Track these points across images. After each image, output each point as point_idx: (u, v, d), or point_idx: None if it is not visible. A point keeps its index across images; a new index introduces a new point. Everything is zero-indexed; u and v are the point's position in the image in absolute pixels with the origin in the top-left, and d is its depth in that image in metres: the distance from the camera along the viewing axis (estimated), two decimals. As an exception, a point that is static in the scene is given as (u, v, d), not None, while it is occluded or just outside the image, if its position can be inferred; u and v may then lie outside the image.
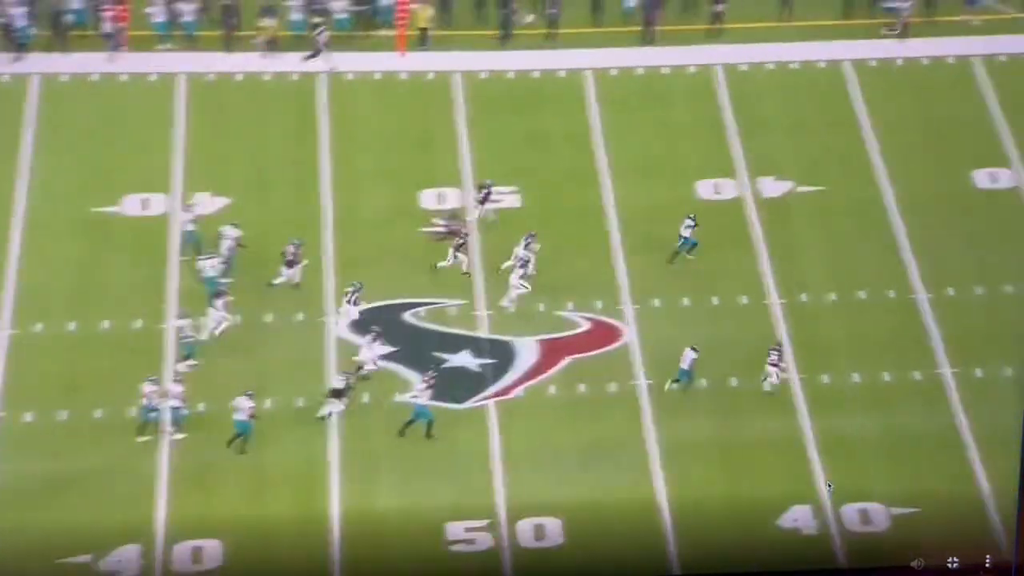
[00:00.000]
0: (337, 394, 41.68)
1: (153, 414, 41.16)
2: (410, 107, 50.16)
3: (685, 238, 45.60)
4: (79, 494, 39.76)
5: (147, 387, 41.30)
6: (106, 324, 43.60)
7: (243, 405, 40.63)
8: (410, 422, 41.18)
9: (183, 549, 38.93)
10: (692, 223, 45.60)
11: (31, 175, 47.55)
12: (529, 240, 44.81)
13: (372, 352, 42.68)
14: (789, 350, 43.81)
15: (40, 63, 50.62)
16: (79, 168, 47.87)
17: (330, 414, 41.56)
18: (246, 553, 38.93)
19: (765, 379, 42.56)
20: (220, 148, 48.61)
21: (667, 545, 39.57)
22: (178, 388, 41.44)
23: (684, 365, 42.39)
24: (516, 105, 50.24)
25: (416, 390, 41.28)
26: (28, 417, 41.37)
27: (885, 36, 52.56)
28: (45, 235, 45.90)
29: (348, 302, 43.67)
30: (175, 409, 41.27)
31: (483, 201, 46.42)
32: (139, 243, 45.92)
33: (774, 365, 42.41)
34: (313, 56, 50.87)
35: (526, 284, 44.39)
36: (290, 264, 44.41)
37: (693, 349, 42.33)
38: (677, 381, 42.37)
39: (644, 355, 43.60)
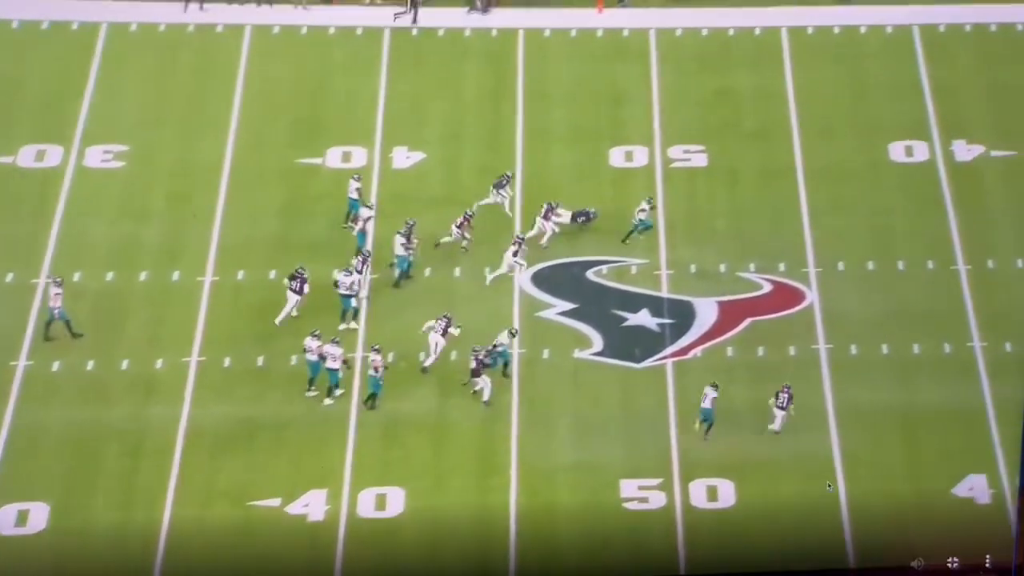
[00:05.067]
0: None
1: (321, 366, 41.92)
2: (604, 63, 50.62)
3: (641, 220, 45.04)
4: (271, 440, 41.58)
5: (309, 342, 41.97)
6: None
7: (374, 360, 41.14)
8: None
9: (368, 496, 40.25)
10: (647, 206, 45.12)
11: (239, 125, 49.35)
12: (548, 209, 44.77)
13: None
14: (973, 319, 43.83)
15: (250, 14, 52.04)
16: (285, 119, 49.28)
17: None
18: (423, 501, 39.90)
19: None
20: (418, 103, 49.70)
21: (841, 514, 39.61)
22: (337, 350, 41.87)
23: (706, 404, 41.18)
24: (707, 62, 50.45)
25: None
26: (227, 362, 43.25)
27: None
28: (250, 184, 47.38)
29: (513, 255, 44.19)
30: (332, 370, 41.90)
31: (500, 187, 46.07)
32: (337, 195, 47.01)
33: (781, 408, 41.17)
34: (480, 8, 51.64)
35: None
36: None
37: (714, 387, 41.13)
38: (704, 421, 41.23)
39: (826, 320, 43.73)
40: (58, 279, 43.65)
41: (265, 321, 43.27)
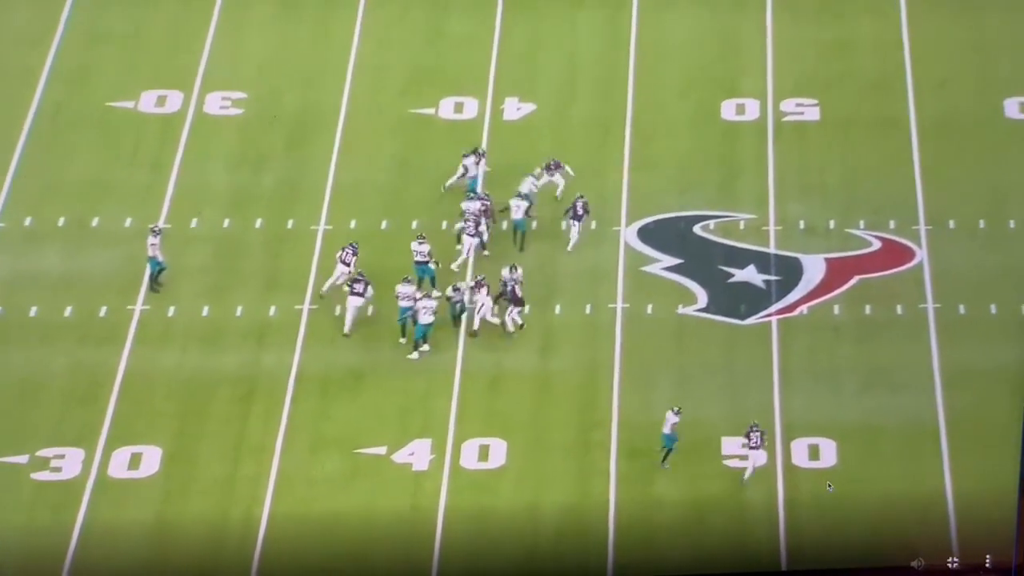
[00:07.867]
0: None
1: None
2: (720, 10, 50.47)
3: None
4: (378, 389, 42.02)
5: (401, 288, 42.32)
6: (414, 224, 45.23)
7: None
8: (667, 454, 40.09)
9: (471, 447, 40.88)
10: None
11: (354, 73, 49.83)
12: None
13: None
14: (1087, 279, 43.19)
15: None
16: (401, 67, 49.61)
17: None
18: (527, 453, 40.31)
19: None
20: (531, 52, 49.67)
21: (943, 477, 39.52)
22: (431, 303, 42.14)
23: (666, 430, 39.87)
24: (823, 9, 49.96)
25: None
26: (338, 310, 43.65)
27: None
28: (365, 134, 47.72)
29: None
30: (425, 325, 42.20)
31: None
32: (452, 144, 47.26)
33: (755, 448, 39.32)
34: None
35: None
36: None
37: (675, 412, 39.85)
38: (668, 455, 39.74)
39: (935, 278, 43.33)
40: (155, 228, 44.29)
41: (376, 270, 43.53)
